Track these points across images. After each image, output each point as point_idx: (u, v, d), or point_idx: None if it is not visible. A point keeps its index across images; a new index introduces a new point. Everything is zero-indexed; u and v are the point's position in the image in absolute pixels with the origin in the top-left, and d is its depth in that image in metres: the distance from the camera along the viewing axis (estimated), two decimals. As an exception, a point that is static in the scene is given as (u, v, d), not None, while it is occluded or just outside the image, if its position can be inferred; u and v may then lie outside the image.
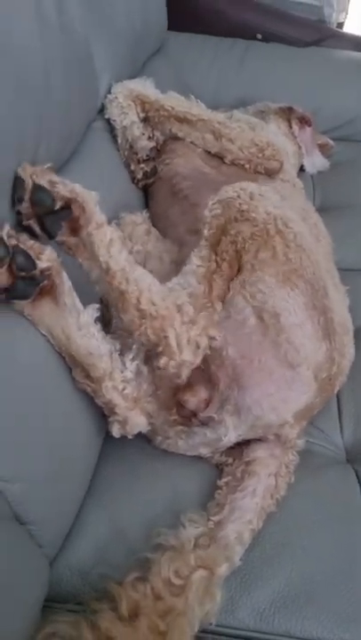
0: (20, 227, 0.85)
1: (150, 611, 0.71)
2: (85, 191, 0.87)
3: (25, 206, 0.84)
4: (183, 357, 0.84)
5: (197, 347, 0.85)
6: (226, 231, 0.91)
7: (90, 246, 0.86)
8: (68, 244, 0.88)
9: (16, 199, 0.84)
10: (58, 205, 0.85)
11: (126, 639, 0.68)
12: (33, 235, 0.85)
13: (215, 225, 0.92)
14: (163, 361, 0.85)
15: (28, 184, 0.83)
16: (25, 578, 0.72)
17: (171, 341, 0.84)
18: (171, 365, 0.85)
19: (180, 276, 0.91)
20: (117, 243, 0.87)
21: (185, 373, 0.86)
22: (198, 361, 0.87)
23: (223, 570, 0.78)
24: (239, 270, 0.90)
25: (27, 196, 0.83)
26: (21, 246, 0.78)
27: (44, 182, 0.84)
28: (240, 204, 0.93)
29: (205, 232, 0.92)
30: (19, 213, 0.85)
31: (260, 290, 0.88)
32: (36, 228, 0.85)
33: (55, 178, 0.86)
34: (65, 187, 0.86)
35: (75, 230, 0.87)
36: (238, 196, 0.94)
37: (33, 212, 0.84)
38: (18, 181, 0.84)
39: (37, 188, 0.83)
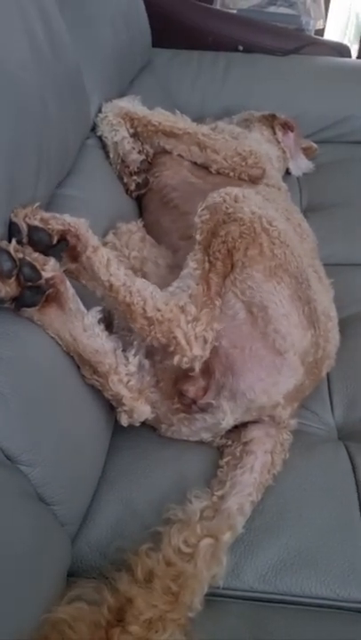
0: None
1: (163, 574, 0.78)
2: (76, 220, 0.93)
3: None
4: (194, 352, 0.91)
5: (205, 341, 0.92)
6: (216, 233, 0.97)
7: (90, 269, 0.92)
8: (69, 270, 0.94)
9: (16, 242, 0.87)
10: (55, 240, 0.90)
11: (143, 599, 0.74)
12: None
13: (205, 229, 0.98)
14: (176, 359, 0.92)
15: (23, 227, 0.87)
16: (51, 552, 0.79)
17: (180, 340, 0.91)
18: (184, 361, 0.92)
19: (179, 280, 0.97)
20: (114, 261, 0.93)
21: (198, 366, 0.93)
22: (208, 354, 0.93)
23: (227, 537, 0.85)
24: (232, 267, 0.96)
25: (25, 239, 0.88)
26: (27, 259, 0.84)
27: (37, 222, 0.89)
28: (226, 207, 0.99)
29: (198, 237, 0.98)
30: None
31: (249, 286, 0.94)
32: None
33: (45, 215, 0.91)
34: (57, 221, 0.91)
35: (74, 257, 0.93)
36: (224, 201, 1.00)
37: (35, 251, 0.88)
38: (13, 226, 0.88)
39: (33, 228, 0.88)
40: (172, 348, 0.91)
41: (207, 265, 0.95)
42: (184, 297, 0.93)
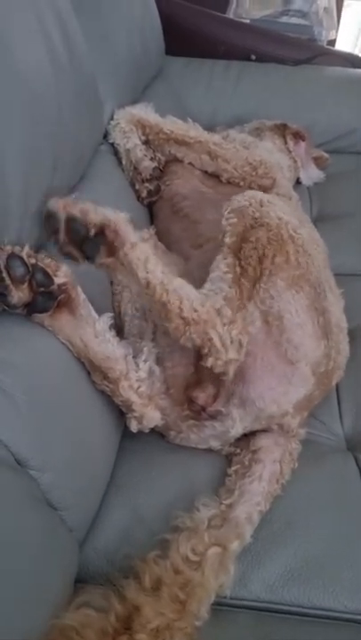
0: (62, 254, 0.89)
1: (171, 582, 0.78)
2: (116, 214, 0.89)
3: (62, 237, 0.87)
4: (229, 356, 0.90)
5: (240, 345, 0.91)
6: (245, 238, 0.96)
7: (128, 265, 0.89)
8: (106, 264, 0.91)
9: (51, 231, 0.87)
10: (92, 232, 0.87)
11: (151, 607, 0.74)
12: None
13: (235, 233, 0.97)
14: (210, 361, 0.90)
15: (61, 216, 0.86)
16: (59, 557, 0.79)
17: (216, 343, 0.89)
18: (218, 365, 0.90)
19: (210, 283, 0.95)
20: (152, 258, 0.90)
21: (232, 371, 0.92)
22: (242, 358, 0.92)
23: (235, 546, 0.85)
24: (261, 274, 0.95)
25: (62, 227, 0.86)
26: (40, 264, 0.84)
27: (76, 212, 0.86)
28: (253, 211, 0.99)
29: (227, 240, 0.97)
30: (56, 242, 0.88)
31: (270, 295, 0.94)
32: (76, 254, 0.88)
33: (85, 206, 0.87)
34: (96, 213, 0.88)
35: (111, 252, 0.89)
36: (250, 204, 1.00)
37: (70, 241, 0.87)
38: (50, 215, 0.86)
39: (71, 218, 0.86)
40: (206, 350, 0.90)
41: (238, 269, 0.94)
42: (219, 299, 0.91)
